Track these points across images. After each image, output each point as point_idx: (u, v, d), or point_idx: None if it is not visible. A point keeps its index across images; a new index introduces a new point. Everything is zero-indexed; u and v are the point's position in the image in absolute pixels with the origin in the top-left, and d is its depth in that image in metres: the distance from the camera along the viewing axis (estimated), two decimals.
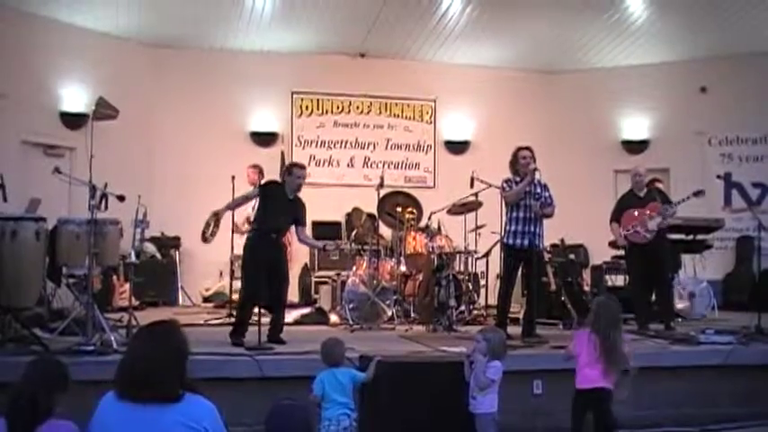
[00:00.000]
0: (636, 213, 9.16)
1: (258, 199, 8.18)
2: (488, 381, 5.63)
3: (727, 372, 7.53)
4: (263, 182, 8.17)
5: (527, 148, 8.50)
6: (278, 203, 7.99)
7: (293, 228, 8.43)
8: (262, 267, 7.72)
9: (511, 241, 8.32)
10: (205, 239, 8.87)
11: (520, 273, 8.51)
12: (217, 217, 8.58)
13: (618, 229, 9.33)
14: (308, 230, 13.02)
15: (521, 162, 8.41)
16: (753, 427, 7.15)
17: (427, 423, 5.30)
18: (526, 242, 8.24)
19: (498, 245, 8.80)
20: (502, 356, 5.75)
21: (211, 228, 8.68)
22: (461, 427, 5.75)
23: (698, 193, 9.24)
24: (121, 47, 12.24)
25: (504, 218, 8.54)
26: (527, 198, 8.30)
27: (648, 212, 9.09)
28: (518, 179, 8.39)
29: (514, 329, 8.34)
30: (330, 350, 5.71)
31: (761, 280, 10.98)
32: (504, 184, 8.49)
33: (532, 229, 8.28)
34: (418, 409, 5.70)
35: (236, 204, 8.32)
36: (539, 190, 8.38)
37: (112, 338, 6.83)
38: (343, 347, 5.80)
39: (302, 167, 8.29)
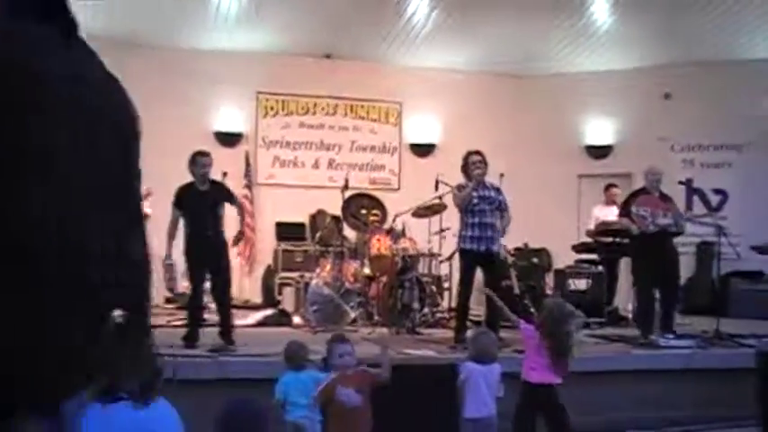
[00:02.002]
0: (654, 201, 8.97)
1: (176, 208, 7.96)
2: (460, 382, 5.62)
3: (688, 375, 7.63)
4: (174, 196, 7.98)
5: (477, 153, 8.46)
6: (196, 201, 7.86)
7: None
8: (202, 268, 7.79)
9: (468, 246, 8.27)
10: (172, 289, 8.80)
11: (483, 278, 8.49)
12: (169, 263, 8.29)
13: (639, 221, 8.98)
14: (272, 231, 13.13)
15: (470, 167, 8.38)
16: (712, 431, 7.23)
17: (400, 426, 5.28)
18: (483, 247, 8.20)
19: None
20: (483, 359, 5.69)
21: (168, 276, 8.58)
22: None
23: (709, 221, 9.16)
24: None
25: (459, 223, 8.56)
26: (481, 203, 8.26)
27: (664, 210, 8.93)
28: (469, 183, 8.35)
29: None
30: (293, 353, 5.68)
31: (720, 285, 11.15)
32: (455, 190, 8.49)
33: (489, 233, 8.23)
34: (390, 411, 5.67)
35: (171, 235, 8.07)
36: (492, 194, 8.34)
37: None
38: (307, 351, 5.78)
39: (206, 155, 8.05)
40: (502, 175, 8.33)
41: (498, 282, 8.56)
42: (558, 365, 5.58)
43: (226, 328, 7.77)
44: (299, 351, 5.71)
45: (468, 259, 8.34)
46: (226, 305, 7.94)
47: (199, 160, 7.98)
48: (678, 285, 9.13)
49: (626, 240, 10.30)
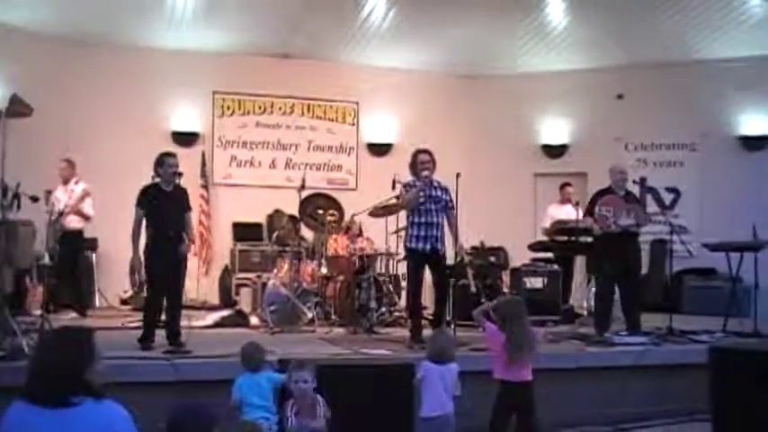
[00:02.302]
0: (617, 201, 8.95)
1: (140, 208, 7.84)
2: (417, 381, 5.64)
3: (640, 372, 7.73)
4: (138, 195, 7.89)
5: (426, 152, 8.42)
6: (160, 202, 7.81)
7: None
8: (162, 269, 7.72)
9: (413, 245, 8.22)
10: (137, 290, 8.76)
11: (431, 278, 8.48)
12: (137, 264, 8.04)
13: (600, 221, 8.97)
14: (229, 231, 13.07)
15: (418, 166, 8.36)
16: (664, 426, 7.33)
17: (357, 425, 5.27)
18: (428, 246, 8.16)
19: None
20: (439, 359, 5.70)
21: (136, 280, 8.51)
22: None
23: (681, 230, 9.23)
24: (38, 43, 11.89)
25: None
26: (428, 202, 8.22)
27: (627, 210, 8.89)
28: (417, 183, 8.32)
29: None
30: (249, 354, 5.66)
31: (673, 282, 11.30)
32: (403, 189, 8.48)
33: (434, 233, 8.20)
34: (346, 411, 5.67)
35: (135, 236, 8.01)
36: (439, 193, 8.30)
37: (24, 343, 6.63)
38: (263, 352, 5.75)
39: (173, 156, 8.02)
40: (458, 174, 8.31)
41: (445, 281, 8.54)
42: (519, 361, 5.63)
43: (176, 330, 7.72)
44: (255, 352, 5.69)
45: (415, 258, 8.31)
46: (178, 308, 7.88)
47: (166, 161, 7.91)
48: (637, 284, 9.11)
49: (581, 239, 10.42)
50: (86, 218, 10.31)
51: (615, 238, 8.88)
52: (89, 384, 3.12)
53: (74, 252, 10.24)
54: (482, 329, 5.96)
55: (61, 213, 9.27)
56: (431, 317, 8.57)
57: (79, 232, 10.34)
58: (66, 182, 10.31)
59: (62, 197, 10.03)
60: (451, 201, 8.38)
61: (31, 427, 3.05)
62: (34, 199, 7.32)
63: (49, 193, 7.35)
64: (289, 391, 5.24)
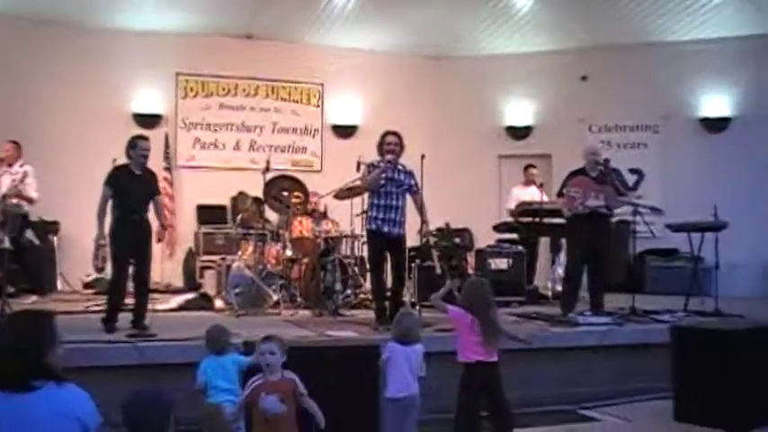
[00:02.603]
0: (586, 183, 8.93)
1: (108, 188, 7.79)
2: (382, 361, 5.64)
3: (604, 351, 7.80)
4: (108, 174, 7.81)
5: (394, 134, 8.38)
6: (129, 184, 7.77)
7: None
8: (127, 251, 7.72)
9: (373, 227, 8.23)
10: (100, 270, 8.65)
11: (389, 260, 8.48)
12: (102, 243, 7.97)
13: (567, 202, 9.02)
14: (193, 214, 12.98)
15: (384, 148, 8.32)
16: (627, 404, 7.41)
17: (322, 407, 5.26)
18: (386, 228, 8.19)
19: None
20: (405, 339, 5.69)
21: (101, 256, 8.41)
22: (365, 412, 5.78)
23: (655, 210, 9.27)
24: (1, 24, 11.70)
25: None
26: (388, 185, 8.22)
27: (596, 191, 8.88)
28: (382, 163, 8.28)
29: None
30: (215, 337, 5.62)
31: (635, 263, 11.42)
32: (366, 169, 8.44)
33: (393, 216, 8.20)
34: (312, 393, 5.66)
35: (101, 214, 7.94)
36: (402, 177, 8.28)
37: None
38: (228, 334, 5.72)
39: (146, 139, 8.03)
40: (423, 156, 8.31)
41: (403, 264, 8.53)
42: (491, 343, 5.63)
43: (141, 314, 7.69)
44: (220, 335, 5.65)
45: (375, 240, 8.33)
46: (145, 292, 7.84)
47: (138, 144, 7.90)
48: (603, 266, 9.10)
49: (546, 220, 10.49)
50: (29, 200, 9.94)
51: (584, 219, 8.90)
52: (50, 368, 3.10)
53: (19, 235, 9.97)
54: (445, 313, 5.94)
55: (5, 197, 9.11)
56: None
57: (23, 216, 10.03)
58: (10, 165, 9.98)
59: (6, 180, 9.78)
60: (416, 185, 8.38)
61: None
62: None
63: None
64: (256, 368, 5.23)
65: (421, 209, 8.41)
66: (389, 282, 8.59)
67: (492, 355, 5.67)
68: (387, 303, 8.30)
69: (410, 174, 8.38)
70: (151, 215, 8.07)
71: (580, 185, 8.98)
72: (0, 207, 8.70)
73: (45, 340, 3.15)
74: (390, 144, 8.29)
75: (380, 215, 8.19)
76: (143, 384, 5.90)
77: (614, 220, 10.94)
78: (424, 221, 8.41)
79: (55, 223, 11.88)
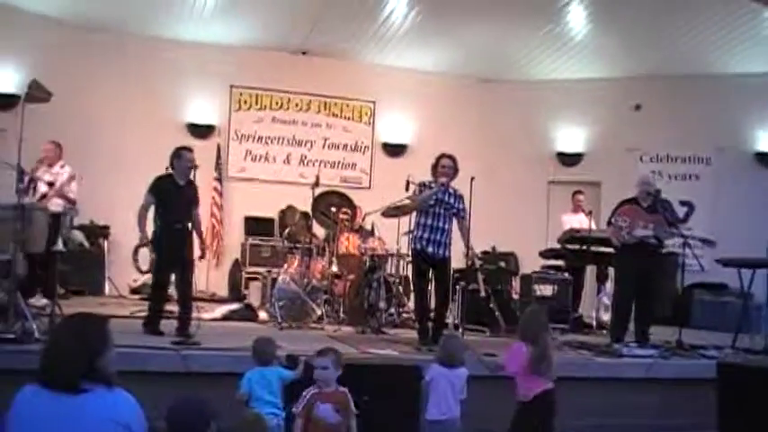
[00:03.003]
0: (635, 212, 8.91)
1: (152, 195, 8.01)
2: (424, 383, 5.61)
3: (648, 384, 7.69)
4: (152, 183, 8.06)
5: (450, 157, 8.40)
6: (172, 194, 7.95)
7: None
8: (169, 260, 7.91)
9: (418, 246, 8.24)
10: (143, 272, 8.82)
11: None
12: (143, 243, 8.27)
13: (614, 232, 9.06)
14: (241, 225, 13.09)
15: (439, 170, 8.35)
16: None
17: (362, 425, 5.26)
18: (430, 249, 8.19)
19: None
20: (449, 362, 5.65)
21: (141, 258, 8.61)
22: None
23: (707, 242, 9.19)
24: (59, 30, 11.96)
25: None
26: (437, 206, 8.23)
27: (645, 221, 8.85)
28: (433, 184, 8.32)
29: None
30: (261, 349, 5.63)
31: (683, 296, 11.25)
32: (417, 188, 8.47)
33: (439, 237, 8.20)
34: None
35: (142, 218, 8.10)
36: (452, 200, 8.30)
37: (34, 327, 6.66)
38: (275, 347, 5.74)
39: (191, 150, 8.19)
40: (473, 178, 8.33)
41: (447, 287, 8.55)
42: (542, 372, 5.55)
43: (185, 322, 7.80)
44: (267, 346, 5.67)
45: (419, 260, 8.34)
46: (188, 301, 7.97)
47: (183, 155, 8.07)
48: (652, 297, 9.04)
49: (593, 248, 10.40)
50: (71, 201, 9.97)
51: (633, 249, 8.87)
52: (101, 372, 3.12)
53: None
54: (503, 369, 5.79)
55: (44, 196, 9.19)
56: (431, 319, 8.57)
57: (59, 216, 10.09)
58: (51, 164, 9.82)
59: (46, 179, 9.81)
60: (464, 210, 8.41)
61: (42, 411, 3.06)
62: (50, 184, 7.33)
63: (23, 173, 7.31)
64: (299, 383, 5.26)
65: (466, 235, 8.42)
66: (432, 303, 8.58)
67: (548, 384, 5.57)
68: (429, 324, 8.29)
69: (460, 198, 8.39)
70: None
71: (628, 214, 8.92)
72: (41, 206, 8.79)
73: (98, 344, 3.18)
74: (445, 167, 8.31)
75: (426, 235, 8.20)
76: (185, 392, 5.97)
77: (663, 251, 10.84)
78: (469, 248, 8.40)
79: (106, 228, 12.06)
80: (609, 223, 9.28)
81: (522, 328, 5.80)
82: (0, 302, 7.12)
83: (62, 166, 10.09)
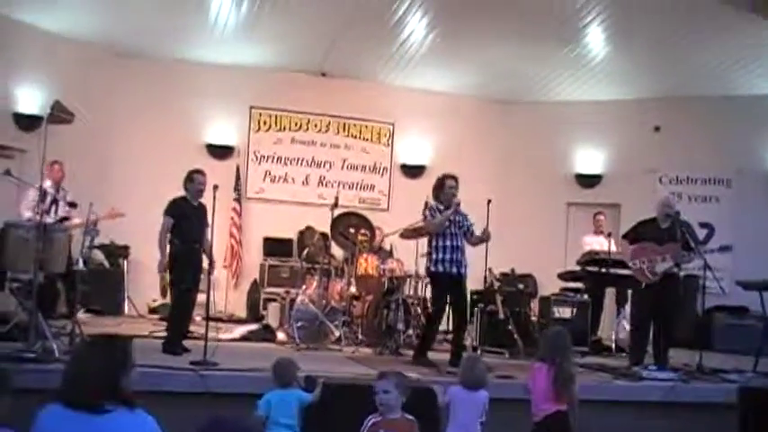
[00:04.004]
0: (650, 250, 8.92)
1: (170, 217, 8.22)
2: (442, 405, 5.57)
3: (668, 408, 7.63)
4: (168, 205, 8.29)
5: (453, 177, 8.59)
6: (188, 215, 8.21)
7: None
8: (187, 278, 8.14)
9: (441, 269, 8.34)
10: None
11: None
12: (162, 270, 8.49)
13: (627, 248, 9.14)
14: (260, 246, 13.12)
15: (446, 191, 8.50)
16: None
17: None
18: (454, 270, 8.32)
19: None
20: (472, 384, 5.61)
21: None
22: None
23: (724, 249, 9.14)
24: (81, 52, 12.07)
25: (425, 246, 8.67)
26: (452, 226, 8.38)
27: (662, 255, 8.86)
28: (441, 207, 8.47)
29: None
30: (282, 370, 5.63)
31: (703, 319, 11.16)
32: (428, 212, 8.55)
33: (459, 257, 8.36)
34: None
35: (163, 242, 8.24)
36: (461, 218, 8.50)
37: (54, 346, 6.70)
38: (296, 368, 5.73)
39: (203, 173, 8.44)
40: (489, 201, 8.38)
41: (465, 305, 8.66)
42: (564, 393, 5.54)
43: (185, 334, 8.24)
44: (287, 368, 5.66)
45: (443, 282, 8.43)
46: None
47: (196, 178, 8.35)
48: (670, 319, 9.03)
49: (612, 270, 10.34)
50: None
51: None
52: (123, 392, 3.15)
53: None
54: (529, 392, 5.80)
55: (67, 219, 9.21)
56: (449, 341, 8.62)
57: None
58: (57, 184, 9.66)
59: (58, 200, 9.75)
60: (472, 224, 8.63)
61: (65, 430, 3.08)
62: (72, 205, 7.40)
63: (45, 193, 7.37)
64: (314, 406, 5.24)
65: (477, 242, 8.62)
66: (449, 323, 8.68)
67: (563, 405, 5.55)
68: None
69: (466, 215, 8.60)
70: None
71: (642, 255, 8.97)
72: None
73: (122, 365, 3.21)
74: (452, 188, 8.52)
75: (448, 256, 8.32)
76: (205, 412, 5.98)
77: (682, 274, 10.76)
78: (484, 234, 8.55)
79: (125, 248, 12.12)
80: (625, 236, 9.37)
81: (542, 349, 5.80)
82: (21, 321, 7.19)
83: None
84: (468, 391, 5.51)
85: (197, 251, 8.24)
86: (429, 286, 9.11)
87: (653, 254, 8.90)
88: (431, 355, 8.62)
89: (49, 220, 8.00)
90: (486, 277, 8.60)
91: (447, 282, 8.38)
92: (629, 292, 10.31)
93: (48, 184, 9.41)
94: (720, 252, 9.15)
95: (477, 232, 8.60)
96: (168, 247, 8.19)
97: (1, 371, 3.58)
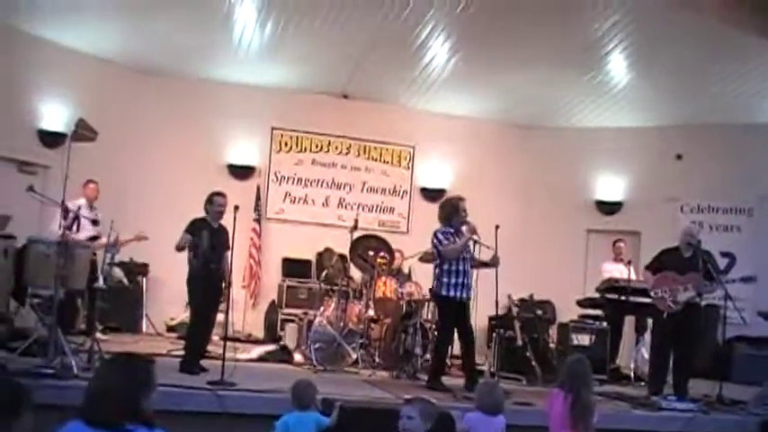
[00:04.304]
0: (672, 279, 8.91)
1: (188, 234, 8.30)
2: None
3: None
4: (188, 224, 8.38)
5: (463, 199, 8.68)
6: (207, 236, 8.26)
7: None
8: (205, 299, 8.23)
9: (452, 293, 8.38)
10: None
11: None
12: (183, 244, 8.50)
13: (650, 278, 9.12)
14: (278, 266, 13.13)
15: (461, 214, 8.53)
16: None
17: None
18: (464, 294, 8.40)
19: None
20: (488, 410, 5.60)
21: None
22: None
23: (747, 279, 9.13)
24: (105, 70, 12.18)
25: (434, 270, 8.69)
26: (463, 251, 8.45)
27: (684, 285, 8.84)
28: (452, 231, 8.51)
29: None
30: (301, 392, 5.61)
31: (724, 349, 11.05)
32: (441, 236, 8.54)
33: (467, 281, 8.43)
34: None
35: (179, 246, 8.36)
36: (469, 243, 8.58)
37: (73, 363, 6.73)
38: (314, 390, 5.71)
39: (223, 196, 8.50)
40: (497, 227, 8.37)
41: (471, 328, 8.63)
42: (581, 422, 5.48)
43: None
44: (306, 390, 5.64)
45: (452, 306, 8.47)
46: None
47: (216, 200, 8.44)
48: (695, 350, 9.05)
49: (632, 298, 10.28)
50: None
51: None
52: (144, 412, 3.16)
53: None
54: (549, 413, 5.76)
55: (96, 237, 9.29)
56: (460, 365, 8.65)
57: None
58: (91, 202, 10.00)
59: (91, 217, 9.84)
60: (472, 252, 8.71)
61: None
62: (94, 222, 7.45)
63: (68, 211, 7.42)
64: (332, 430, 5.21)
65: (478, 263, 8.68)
66: (457, 346, 8.87)
67: None
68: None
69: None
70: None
71: (665, 284, 8.92)
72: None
73: (144, 386, 3.23)
74: (465, 210, 8.60)
75: (459, 280, 8.39)
76: None
77: (703, 303, 10.67)
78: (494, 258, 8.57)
79: (145, 265, 12.17)
80: (647, 267, 9.32)
81: (562, 375, 5.76)
82: (41, 337, 7.22)
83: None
84: (487, 417, 5.47)
85: (214, 272, 8.28)
86: (437, 309, 9.03)
87: (675, 283, 8.87)
88: (445, 379, 8.61)
89: (80, 236, 8.11)
90: (497, 302, 8.54)
91: (455, 306, 8.43)
92: (650, 320, 10.24)
93: (82, 201, 9.59)
94: (743, 282, 9.10)
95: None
96: (187, 267, 8.27)
97: (22, 388, 3.56)
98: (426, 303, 10.42)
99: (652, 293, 9.00)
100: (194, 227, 8.32)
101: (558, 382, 5.77)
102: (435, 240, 8.55)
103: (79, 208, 7.65)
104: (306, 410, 5.52)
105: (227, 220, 8.30)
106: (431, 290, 8.80)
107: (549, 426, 5.67)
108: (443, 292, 8.44)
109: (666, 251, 9.25)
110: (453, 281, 8.35)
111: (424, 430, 4.71)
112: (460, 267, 8.38)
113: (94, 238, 9.24)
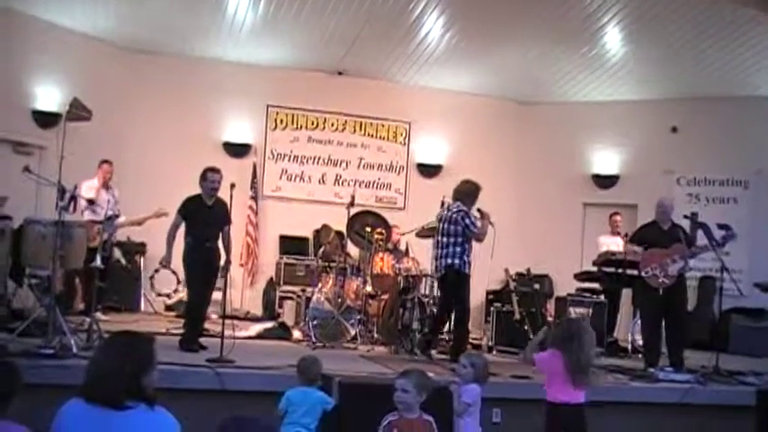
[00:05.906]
0: (659, 255, 8.92)
1: (180, 216, 8.33)
2: (464, 405, 5.43)
3: (684, 410, 7.60)
4: (181, 203, 8.38)
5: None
6: (200, 214, 8.25)
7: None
8: (200, 277, 8.23)
9: (467, 271, 8.68)
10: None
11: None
12: (162, 264, 8.90)
13: (633, 249, 9.25)
14: (276, 244, 13.14)
15: (478, 198, 8.85)
16: None
17: None
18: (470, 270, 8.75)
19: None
20: (484, 381, 5.60)
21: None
22: None
23: (727, 237, 9.11)
24: (99, 49, 12.14)
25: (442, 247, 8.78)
26: None
27: (671, 257, 8.87)
28: (476, 215, 8.77)
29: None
30: (307, 367, 5.65)
31: (720, 321, 11.12)
32: (473, 219, 8.70)
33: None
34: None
35: (170, 238, 8.35)
36: None
37: (72, 342, 6.75)
38: (320, 366, 5.74)
39: (217, 171, 8.41)
40: (479, 210, 8.59)
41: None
42: (577, 382, 5.39)
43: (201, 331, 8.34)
44: (312, 366, 5.68)
45: (469, 283, 8.77)
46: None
47: (209, 176, 8.34)
48: (685, 320, 9.10)
49: (629, 271, 10.29)
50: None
51: None
52: (145, 390, 3.18)
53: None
54: (533, 365, 5.70)
55: (113, 217, 9.36)
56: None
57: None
58: (106, 184, 10.20)
59: (108, 200, 9.83)
60: None
61: (86, 426, 3.12)
62: (90, 201, 7.45)
63: (64, 190, 7.46)
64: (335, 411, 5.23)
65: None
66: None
67: (579, 397, 5.42)
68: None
69: None
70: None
71: (653, 261, 8.94)
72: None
73: (144, 363, 3.25)
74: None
75: (471, 258, 8.68)
76: (219, 410, 6.01)
77: (699, 275, 10.71)
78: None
79: (142, 245, 12.17)
80: (631, 240, 9.48)
81: (551, 337, 5.64)
82: (39, 317, 7.23)
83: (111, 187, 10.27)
84: (481, 387, 5.50)
85: (209, 250, 8.26)
86: (451, 285, 8.93)
87: (662, 257, 8.89)
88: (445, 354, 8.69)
89: (99, 217, 8.33)
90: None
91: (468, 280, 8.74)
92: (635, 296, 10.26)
93: (96, 182, 9.68)
94: (725, 241, 9.08)
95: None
96: (183, 245, 8.27)
97: (16, 367, 3.50)
98: (424, 279, 10.43)
99: (643, 273, 8.99)
100: (188, 206, 8.31)
101: (559, 344, 5.63)
102: (468, 221, 8.64)
103: (76, 187, 7.59)
104: (311, 385, 5.55)
105: (225, 197, 8.27)
106: (449, 266, 8.69)
107: (546, 383, 5.56)
108: (467, 270, 8.68)
109: (645, 226, 9.42)
110: (469, 259, 8.66)
111: (419, 402, 4.67)
112: (474, 245, 8.75)
113: (114, 216, 9.31)
